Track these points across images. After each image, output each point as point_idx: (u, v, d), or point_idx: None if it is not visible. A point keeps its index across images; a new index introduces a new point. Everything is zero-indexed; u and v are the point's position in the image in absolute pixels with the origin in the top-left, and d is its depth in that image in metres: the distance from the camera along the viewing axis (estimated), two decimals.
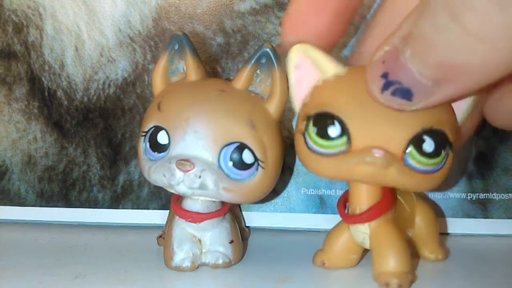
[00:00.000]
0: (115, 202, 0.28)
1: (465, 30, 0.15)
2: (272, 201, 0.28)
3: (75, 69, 0.28)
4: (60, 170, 0.29)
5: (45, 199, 0.29)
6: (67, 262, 0.23)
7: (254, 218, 0.28)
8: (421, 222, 0.23)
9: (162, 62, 0.23)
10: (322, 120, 0.20)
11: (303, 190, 0.28)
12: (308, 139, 0.20)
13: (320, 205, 0.28)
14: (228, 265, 0.23)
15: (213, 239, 0.23)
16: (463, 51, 0.16)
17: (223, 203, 0.23)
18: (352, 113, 0.20)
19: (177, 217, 0.23)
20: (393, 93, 0.18)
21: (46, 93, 0.29)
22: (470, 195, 0.27)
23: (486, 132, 0.27)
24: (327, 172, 0.21)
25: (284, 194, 0.28)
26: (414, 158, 0.19)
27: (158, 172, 0.21)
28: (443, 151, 0.19)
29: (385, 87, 0.18)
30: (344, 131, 0.20)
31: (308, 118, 0.21)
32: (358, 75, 0.20)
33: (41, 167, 0.29)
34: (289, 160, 0.28)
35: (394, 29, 0.18)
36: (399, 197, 0.23)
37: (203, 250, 0.23)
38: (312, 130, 0.20)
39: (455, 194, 0.27)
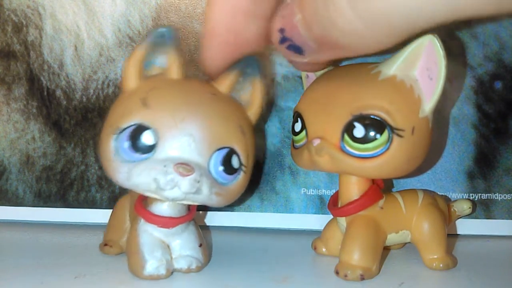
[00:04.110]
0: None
1: (333, 23, 0.18)
2: (272, 201, 0.28)
3: (74, 68, 0.28)
4: (58, 170, 0.28)
5: (43, 199, 0.28)
6: (67, 262, 0.23)
7: (254, 218, 0.28)
8: (422, 226, 0.23)
9: (141, 53, 0.21)
10: (294, 118, 0.23)
11: (303, 190, 0.28)
12: (292, 136, 0.23)
13: (320, 205, 0.27)
14: (200, 269, 0.22)
15: (183, 243, 0.22)
16: (334, 34, 0.19)
17: (189, 207, 0.22)
18: (307, 110, 0.22)
19: (142, 222, 0.21)
20: (288, 48, 0.21)
21: (45, 93, 0.28)
22: (472, 196, 0.27)
23: (487, 132, 0.27)
24: (299, 164, 0.23)
25: (284, 194, 0.28)
26: (349, 145, 0.21)
27: (146, 175, 0.20)
28: (379, 135, 0.20)
29: (282, 41, 0.20)
30: (303, 126, 0.22)
31: (293, 117, 0.23)
32: (325, 74, 0.23)
33: (39, 167, 0.28)
34: (289, 161, 0.28)
35: None
36: (398, 196, 0.23)
37: (173, 256, 0.22)
38: (291, 128, 0.23)
39: (457, 195, 0.27)
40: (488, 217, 0.27)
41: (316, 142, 0.21)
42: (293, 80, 0.28)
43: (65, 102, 0.28)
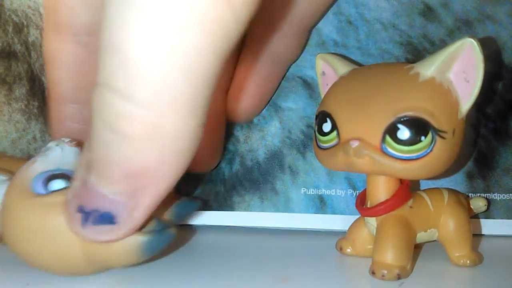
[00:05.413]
0: None
1: (124, 137, 0.16)
2: (272, 201, 0.28)
3: None
4: None
5: None
6: None
7: (254, 218, 0.28)
8: (449, 224, 0.23)
9: None
10: (320, 118, 0.23)
11: (303, 190, 0.28)
12: (316, 136, 0.23)
13: (320, 205, 0.27)
14: None
15: None
16: (135, 156, 0.16)
17: None
18: (339, 109, 0.22)
19: None
20: (95, 222, 0.17)
21: (46, 93, 0.29)
22: (471, 196, 0.27)
23: (487, 132, 0.27)
24: (328, 165, 0.23)
25: (284, 194, 0.28)
26: (391, 147, 0.20)
27: None
28: (423, 137, 0.20)
29: (85, 219, 0.18)
30: (334, 127, 0.22)
31: (316, 117, 0.23)
32: (355, 75, 0.23)
33: None
34: (289, 160, 0.28)
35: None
36: (424, 195, 0.23)
37: None
38: (315, 127, 0.23)
39: None
40: (487, 217, 0.27)
41: (355, 143, 0.21)
42: (293, 80, 0.28)
43: None
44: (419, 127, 0.20)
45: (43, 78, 0.29)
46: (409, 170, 0.21)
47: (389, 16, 0.27)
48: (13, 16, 0.29)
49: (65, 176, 0.20)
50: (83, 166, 0.18)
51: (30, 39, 0.28)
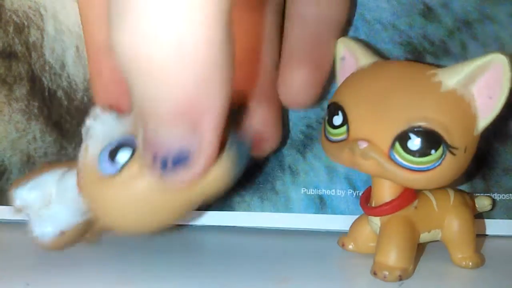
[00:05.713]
0: None
1: (151, 77, 0.15)
2: (272, 201, 0.28)
3: (76, 69, 0.28)
4: None
5: None
6: (67, 263, 0.23)
7: (254, 218, 0.28)
8: (453, 225, 0.23)
9: None
10: (331, 109, 0.22)
11: (303, 190, 0.28)
12: (325, 126, 0.22)
13: (320, 205, 0.28)
14: None
15: None
16: (170, 93, 0.15)
17: None
18: (353, 105, 0.21)
19: None
20: (174, 166, 0.17)
21: (46, 93, 0.29)
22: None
23: (486, 132, 0.27)
24: (333, 158, 0.22)
25: (284, 194, 0.28)
26: (399, 155, 0.20)
27: None
28: (434, 151, 0.19)
29: (163, 168, 0.17)
30: (345, 121, 0.21)
31: (328, 107, 0.22)
32: (376, 70, 0.22)
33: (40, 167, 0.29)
34: (289, 160, 0.28)
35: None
36: (430, 195, 0.23)
37: None
38: (325, 117, 0.22)
39: None
40: (487, 217, 0.27)
41: (363, 145, 0.20)
42: None
43: (66, 103, 0.29)
44: (431, 140, 0.19)
45: (43, 79, 0.29)
46: (413, 181, 0.20)
47: (389, 17, 0.27)
48: (14, 17, 0.29)
49: (123, 144, 0.19)
50: (139, 119, 0.17)
51: (30, 40, 0.29)
